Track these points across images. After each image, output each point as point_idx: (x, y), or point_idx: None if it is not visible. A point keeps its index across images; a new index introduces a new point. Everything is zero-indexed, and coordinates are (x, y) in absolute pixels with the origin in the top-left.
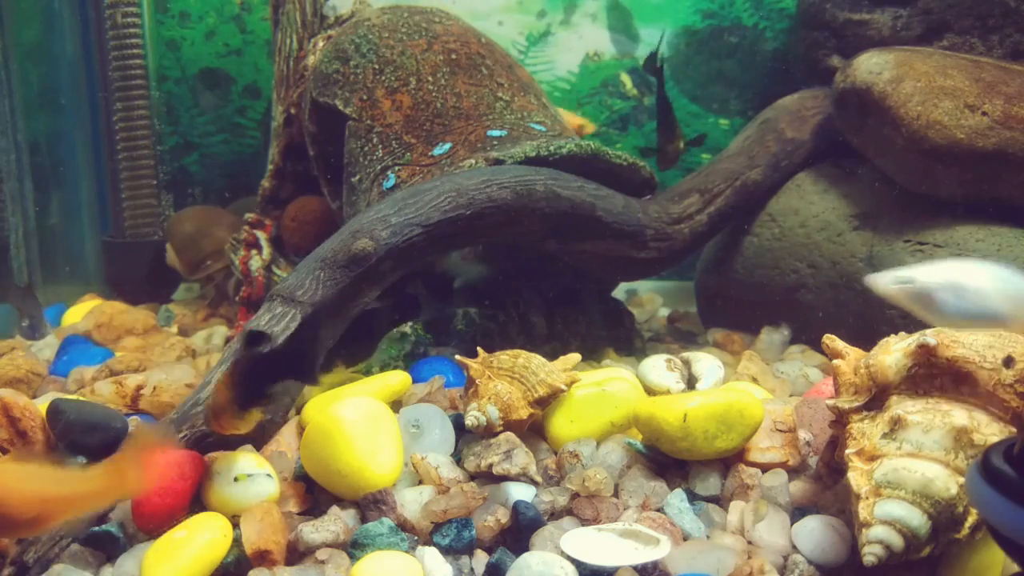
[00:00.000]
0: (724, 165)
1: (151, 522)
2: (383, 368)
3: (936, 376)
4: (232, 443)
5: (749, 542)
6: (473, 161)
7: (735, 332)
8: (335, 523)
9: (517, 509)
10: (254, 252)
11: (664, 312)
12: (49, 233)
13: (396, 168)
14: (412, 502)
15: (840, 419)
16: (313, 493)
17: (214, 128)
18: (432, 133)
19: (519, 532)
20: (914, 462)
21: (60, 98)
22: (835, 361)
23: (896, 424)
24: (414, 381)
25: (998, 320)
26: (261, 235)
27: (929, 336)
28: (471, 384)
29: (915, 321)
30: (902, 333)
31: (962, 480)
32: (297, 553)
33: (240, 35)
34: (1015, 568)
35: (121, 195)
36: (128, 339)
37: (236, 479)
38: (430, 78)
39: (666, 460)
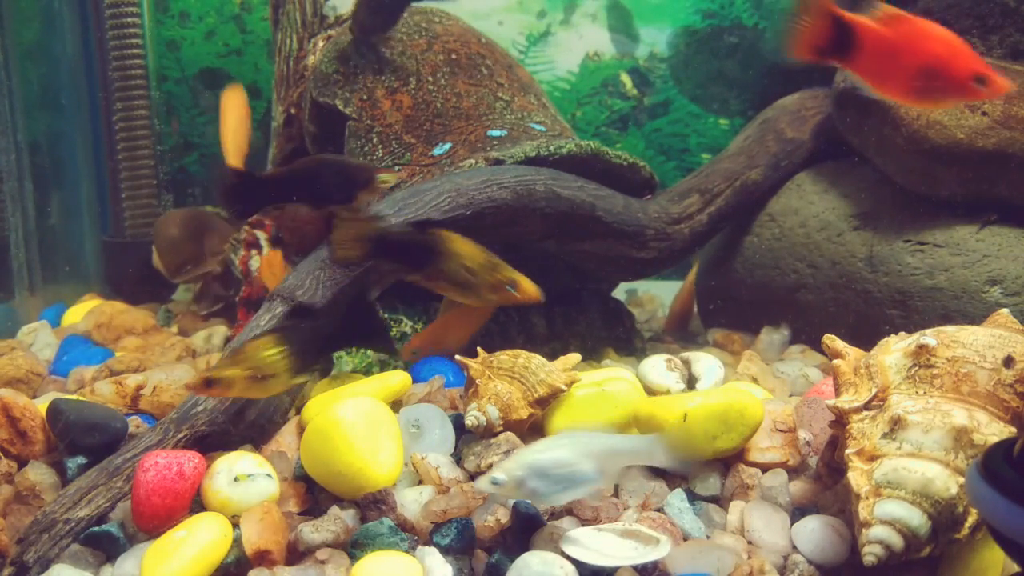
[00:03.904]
0: (724, 165)
1: (151, 522)
2: (383, 367)
3: (936, 376)
4: (232, 443)
5: (749, 542)
6: (473, 161)
7: (735, 332)
8: (335, 523)
9: (517, 509)
10: (254, 252)
11: (664, 312)
12: (49, 233)
13: (396, 168)
14: (412, 502)
15: (840, 419)
16: (313, 493)
17: (214, 128)
18: (432, 133)
19: (519, 532)
20: (914, 462)
21: (60, 98)
22: (835, 361)
23: (896, 424)
24: (414, 381)
25: (590, 481)
26: (261, 235)
27: (929, 336)
28: (471, 384)
29: (916, 321)
30: (902, 333)
31: (962, 480)
32: (297, 553)
33: (240, 35)
34: (1015, 568)
35: (121, 195)
36: (128, 339)
37: (236, 479)
38: (430, 78)
39: None
